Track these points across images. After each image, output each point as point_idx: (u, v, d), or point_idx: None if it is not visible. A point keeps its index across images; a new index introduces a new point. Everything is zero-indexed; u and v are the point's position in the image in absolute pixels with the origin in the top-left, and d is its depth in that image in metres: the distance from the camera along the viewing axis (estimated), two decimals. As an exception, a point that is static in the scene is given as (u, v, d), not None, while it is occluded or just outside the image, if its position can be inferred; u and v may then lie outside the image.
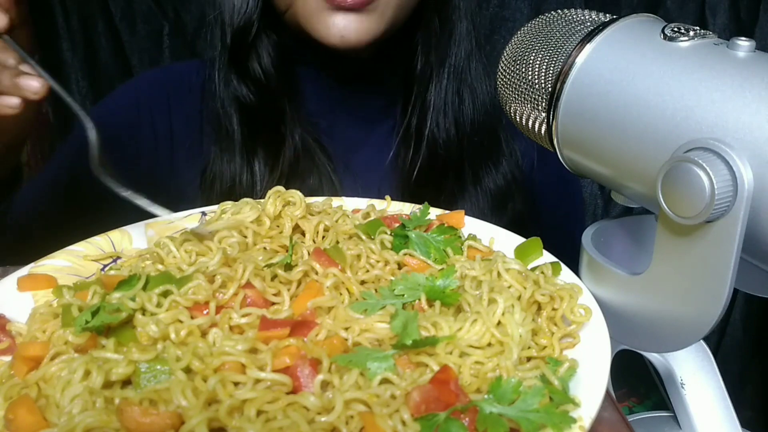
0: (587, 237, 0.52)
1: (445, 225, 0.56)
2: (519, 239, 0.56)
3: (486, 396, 0.38)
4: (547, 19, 0.50)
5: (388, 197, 0.64)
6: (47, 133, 1.75)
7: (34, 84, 0.54)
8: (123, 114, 0.85)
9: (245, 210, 0.56)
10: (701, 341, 0.61)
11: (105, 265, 0.56)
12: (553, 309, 0.46)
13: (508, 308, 0.44)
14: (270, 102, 0.79)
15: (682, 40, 0.43)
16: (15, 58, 0.55)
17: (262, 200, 0.58)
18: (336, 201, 0.63)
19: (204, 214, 0.63)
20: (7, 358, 0.44)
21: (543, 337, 0.44)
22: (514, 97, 0.51)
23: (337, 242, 0.54)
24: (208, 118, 0.82)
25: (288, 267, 0.50)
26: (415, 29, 0.80)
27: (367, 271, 0.51)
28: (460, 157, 0.81)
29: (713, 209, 0.37)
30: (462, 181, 0.82)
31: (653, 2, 1.43)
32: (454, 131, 0.80)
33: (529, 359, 0.43)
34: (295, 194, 0.57)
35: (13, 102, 0.54)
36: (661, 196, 0.40)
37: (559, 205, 0.94)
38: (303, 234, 0.56)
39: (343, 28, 0.70)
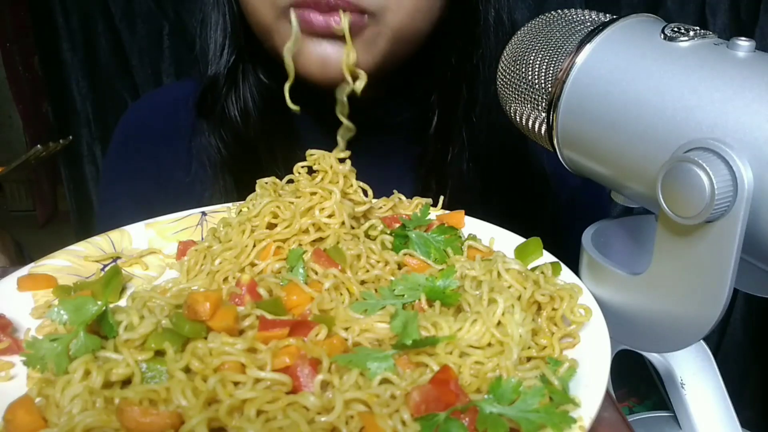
0: (587, 237, 0.52)
1: (445, 225, 0.56)
2: (519, 239, 0.56)
3: (486, 396, 0.38)
4: (547, 19, 0.50)
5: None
6: (46, 134, 1.76)
7: None
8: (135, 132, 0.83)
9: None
10: (701, 341, 0.61)
11: (105, 265, 0.56)
12: (553, 309, 0.46)
13: (508, 308, 0.44)
14: (248, 151, 0.72)
15: (682, 40, 0.43)
16: None
17: None
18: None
19: (204, 213, 0.63)
20: (7, 358, 0.44)
21: (543, 337, 0.44)
22: (514, 97, 0.51)
23: (338, 242, 0.54)
24: (196, 156, 0.76)
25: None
26: (428, 73, 0.72)
27: (367, 271, 0.51)
28: (485, 187, 0.75)
29: (713, 209, 0.37)
30: (487, 206, 0.74)
31: (653, 2, 1.43)
32: (479, 165, 0.74)
33: (529, 359, 0.43)
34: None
35: None
36: (661, 196, 0.40)
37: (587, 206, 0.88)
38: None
39: (324, 56, 0.62)
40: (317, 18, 0.59)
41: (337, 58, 0.61)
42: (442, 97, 0.73)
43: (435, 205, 0.62)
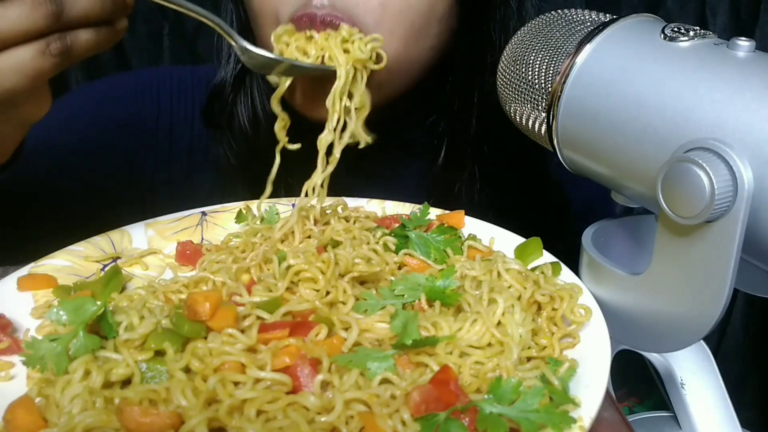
0: (587, 237, 0.52)
1: (445, 225, 0.56)
2: (519, 239, 0.56)
3: (486, 396, 0.38)
4: (547, 19, 0.50)
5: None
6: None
7: None
8: (147, 93, 0.78)
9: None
10: (701, 341, 0.61)
11: (105, 265, 0.56)
12: (553, 309, 0.46)
13: (508, 308, 0.44)
14: (259, 158, 0.66)
15: (682, 40, 0.43)
16: None
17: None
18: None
19: (204, 213, 0.63)
20: (7, 358, 0.44)
21: (543, 337, 0.44)
22: (514, 97, 0.51)
23: (337, 244, 0.54)
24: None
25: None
26: (436, 102, 0.71)
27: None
28: (500, 214, 0.70)
29: (713, 209, 0.37)
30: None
31: (653, 2, 1.43)
32: (491, 195, 0.73)
33: (529, 359, 0.43)
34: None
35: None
36: (661, 196, 0.40)
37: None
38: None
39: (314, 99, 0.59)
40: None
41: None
42: (451, 128, 0.71)
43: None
